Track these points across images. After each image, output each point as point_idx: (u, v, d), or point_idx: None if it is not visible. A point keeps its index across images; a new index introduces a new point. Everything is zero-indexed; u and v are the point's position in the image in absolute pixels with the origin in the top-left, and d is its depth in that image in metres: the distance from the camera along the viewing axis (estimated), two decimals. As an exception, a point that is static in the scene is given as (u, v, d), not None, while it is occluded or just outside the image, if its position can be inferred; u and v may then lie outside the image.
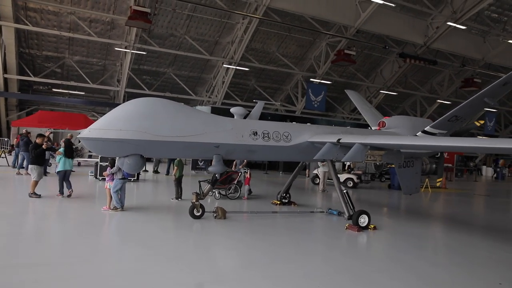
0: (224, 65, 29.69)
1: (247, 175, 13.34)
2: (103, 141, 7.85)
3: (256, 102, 10.41)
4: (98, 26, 26.72)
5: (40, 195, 11.02)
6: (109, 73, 30.16)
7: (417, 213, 13.07)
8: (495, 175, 36.89)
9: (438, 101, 37.73)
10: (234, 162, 14.66)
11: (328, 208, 11.24)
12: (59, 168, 11.26)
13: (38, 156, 10.97)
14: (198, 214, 9.50)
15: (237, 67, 29.59)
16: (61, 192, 11.32)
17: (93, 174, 16.02)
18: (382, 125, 11.14)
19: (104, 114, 32.91)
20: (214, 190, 12.47)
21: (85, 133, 8.01)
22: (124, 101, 30.01)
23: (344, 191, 9.41)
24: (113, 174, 9.71)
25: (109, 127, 7.92)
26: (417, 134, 10.28)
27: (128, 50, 26.66)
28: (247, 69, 30.54)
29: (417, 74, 36.90)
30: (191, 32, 28.51)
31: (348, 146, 8.95)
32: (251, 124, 9.36)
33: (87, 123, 24.49)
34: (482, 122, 11.13)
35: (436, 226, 11.04)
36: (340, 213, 10.65)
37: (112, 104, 30.83)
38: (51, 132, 14.18)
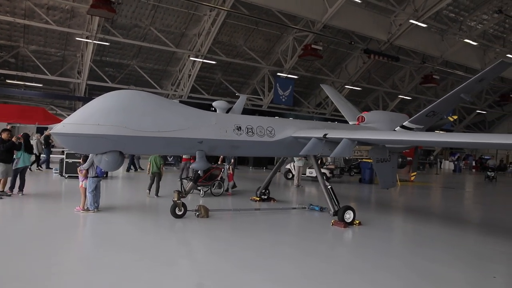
0: (191, 58, 29.00)
1: (230, 171, 13.07)
2: (78, 137, 7.30)
3: (239, 96, 10.16)
4: (56, 14, 25.18)
5: (8, 195, 10.41)
6: (69, 64, 28.59)
7: (395, 207, 13.38)
8: (453, 168, 38.78)
9: (400, 96, 38.95)
10: (221, 158, 14.45)
11: (309, 204, 11.24)
12: (20, 164, 10.61)
13: (4, 152, 10.12)
14: (180, 213, 9.18)
15: (204, 60, 29.02)
16: (12, 189, 10.74)
17: (57, 171, 15.11)
18: (361, 120, 11.23)
19: (63, 107, 31.15)
20: (198, 188, 12.16)
21: (58, 128, 7.41)
22: (85, 94, 28.65)
23: (329, 186, 9.41)
24: (87, 171, 9.10)
25: (86, 121, 7.38)
26: (395, 129, 10.44)
27: (90, 41, 25.35)
28: (214, 62, 30.03)
29: (380, 70, 37.87)
30: (157, 23, 27.57)
31: (334, 142, 8.92)
32: (235, 118, 9.11)
33: (47, 117, 23.15)
34: (455, 117, 11.49)
35: (417, 219, 11.26)
36: (322, 209, 10.68)
37: (72, 97, 29.40)
38: (11, 126, 13.28)
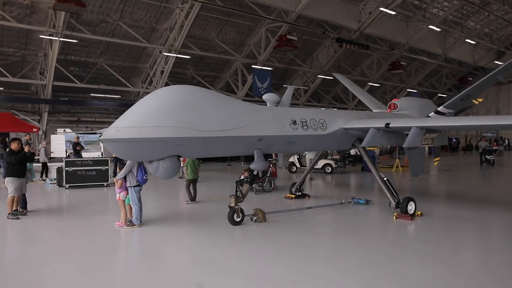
0: (164, 53, 27.73)
1: (273, 168, 13.07)
2: (136, 142, 6.38)
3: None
4: (14, 9, 23.02)
5: (23, 214, 9.17)
6: (30, 65, 26.36)
7: (429, 193, 12.90)
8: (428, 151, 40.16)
9: (369, 83, 39.68)
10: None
11: (351, 197, 10.89)
12: None
13: (16, 165, 8.86)
14: (239, 219, 8.32)
15: (178, 55, 27.87)
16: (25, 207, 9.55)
17: (54, 182, 13.64)
18: (393, 107, 11.01)
19: (26, 111, 28.65)
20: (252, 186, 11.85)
21: (111, 133, 6.42)
22: (52, 97, 26.68)
23: (385, 178, 9.06)
24: (125, 181, 8.10)
25: (144, 123, 6.44)
26: (429, 115, 10.29)
27: (56, 38, 23.44)
28: (188, 57, 28.96)
29: (349, 58, 38.33)
30: (126, 17, 26.04)
31: (392, 132, 8.58)
32: (289, 112, 8.50)
33: (14, 123, 21.25)
34: (481, 100, 11.57)
35: (464, 205, 10.99)
36: (367, 201, 10.41)
37: (38, 100, 27.17)
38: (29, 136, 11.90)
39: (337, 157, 18.67)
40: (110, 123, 33.25)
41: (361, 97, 13.65)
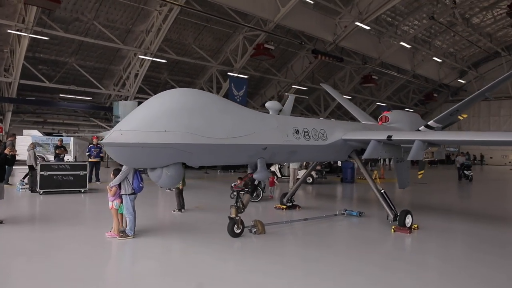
0: (140, 56, 27.00)
1: (271, 177, 13.03)
2: (142, 148, 5.96)
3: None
4: (-23, 2, 21.73)
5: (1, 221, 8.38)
6: (-6, 62, 24.88)
7: (415, 205, 12.96)
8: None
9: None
10: None
11: (344, 209, 10.81)
12: None
13: None
14: (239, 231, 7.93)
15: (154, 59, 27.23)
16: None
17: (26, 186, 12.69)
18: (385, 120, 11.09)
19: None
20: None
21: (114, 136, 5.95)
22: (18, 96, 25.31)
23: (382, 190, 9.02)
24: (119, 188, 7.58)
25: (152, 127, 6.04)
26: (419, 129, 10.44)
27: (25, 34, 22.25)
28: (164, 61, 28.37)
29: (322, 70, 38.92)
30: (101, 17, 25.19)
31: (391, 144, 8.58)
32: (292, 121, 8.32)
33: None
34: (465, 116, 11.88)
35: (453, 218, 11.17)
36: (360, 214, 10.35)
37: (2, 99, 25.61)
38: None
39: (319, 167, 18.74)
40: (78, 125, 32.03)
41: (350, 108, 13.75)
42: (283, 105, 9.15)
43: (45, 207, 10.67)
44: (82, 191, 12.57)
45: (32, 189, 12.33)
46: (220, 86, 33.06)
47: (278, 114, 8.74)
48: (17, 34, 22.63)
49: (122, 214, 7.74)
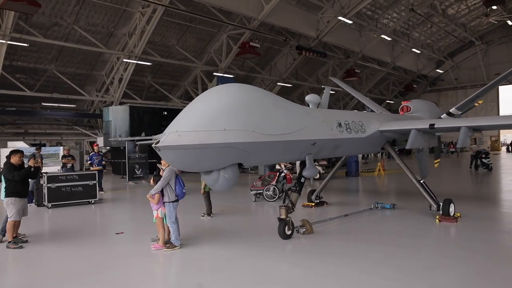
0: (124, 60, 26.15)
1: (289, 174, 12.77)
2: (203, 149, 5.48)
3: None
4: (-49, 10, 20.45)
5: (24, 241, 7.61)
6: (-32, 72, 23.49)
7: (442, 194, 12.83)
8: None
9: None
10: None
11: (376, 202, 10.59)
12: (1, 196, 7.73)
13: (19, 183, 7.42)
14: (289, 232, 7.47)
15: (139, 62, 26.45)
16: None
17: (32, 202, 11.76)
18: (406, 110, 10.97)
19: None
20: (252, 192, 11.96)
21: (171, 139, 5.45)
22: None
23: (421, 181, 8.85)
24: (161, 195, 6.98)
25: (212, 126, 5.58)
26: (441, 116, 10.36)
27: (3, 41, 21.12)
28: (149, 63, 27.60)
29: (305, 66, 38.91)
30: (81, 21, 24.21)
31: (430, 133, 8.41)
32: (334, 114, 8.03)
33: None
34: (481, 101, 11.93)
35: (493, 204, 11.16)
36: (393, 206, 10.19)
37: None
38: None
39: (325, 162, 18.56)
40: (61, 134, 30.76)
41: (364, 100, 13.62)
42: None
43: (62, 222, 9.77)
44: (92, 201, 11.88)
45: (39, 203, 11.52)
46: (205, 87, 32.48)
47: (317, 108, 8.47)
48: (-6, 41, 21.46)
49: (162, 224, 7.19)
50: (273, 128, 6.32)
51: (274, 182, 12.41)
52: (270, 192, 12.23)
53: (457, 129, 8.26)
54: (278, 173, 12.69)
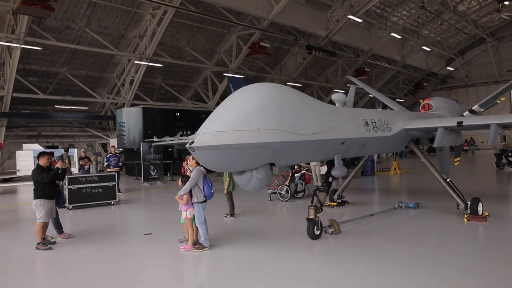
0: (136, 62, 26.24)
1: (308, 174, 12.91)
2: (239, 149, 5.45)
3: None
4: (-37, 14, 20.68)
5: (52, 242, 7.68)
6: (-17, 75, 23.74)
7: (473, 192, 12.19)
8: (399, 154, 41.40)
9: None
10: None
11: (399, 202, 10.48)
12: None
13: (48, 185, 7.46)
14: (318, 232, 7.41)
15: (150, 64, 26.52)
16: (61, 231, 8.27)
17: None
18: (428, 108, 10.84)
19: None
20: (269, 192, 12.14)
21: (206, 139, 5.42)
22: (10, 110, 24.23)
23: (448, 180, 8.73)
24: (190, 196, 6.95)
25: (247, 126, 5.54)
26: (463, 114, 10.23)
27: (17, 45, 21.30)
28: (160, 65, 27.68)
29: (315, 65, 38.78)
30: (92, 24, 24.37)
31: (457, 130, 8.31)
32: (361, 113, 7.98)
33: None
34: (503, 99, 11.75)
35: None
36: (417, 205, 10.07)
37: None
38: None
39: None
40: (73, 136, 30.96)
41: (383, 99, 13.52)
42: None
43: (86, 223, 9.79)
44: (112, 203, 11.90)
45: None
46: (216, 88, 32.59)
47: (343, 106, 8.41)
48: (8, 45, 21.65)
49: (184, 224, 7.17)
50: (304, 127, 6.30)
51: (287, 182, 12.46)
52: (283, 192, 12.33)
53: (486, 126, 8.14)
54: (291, 173, 12.63)
